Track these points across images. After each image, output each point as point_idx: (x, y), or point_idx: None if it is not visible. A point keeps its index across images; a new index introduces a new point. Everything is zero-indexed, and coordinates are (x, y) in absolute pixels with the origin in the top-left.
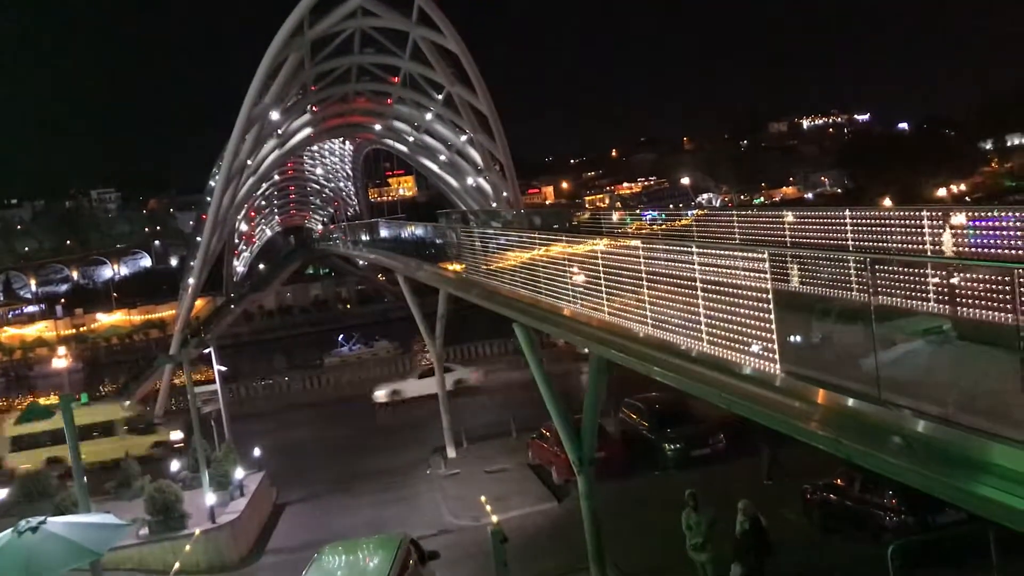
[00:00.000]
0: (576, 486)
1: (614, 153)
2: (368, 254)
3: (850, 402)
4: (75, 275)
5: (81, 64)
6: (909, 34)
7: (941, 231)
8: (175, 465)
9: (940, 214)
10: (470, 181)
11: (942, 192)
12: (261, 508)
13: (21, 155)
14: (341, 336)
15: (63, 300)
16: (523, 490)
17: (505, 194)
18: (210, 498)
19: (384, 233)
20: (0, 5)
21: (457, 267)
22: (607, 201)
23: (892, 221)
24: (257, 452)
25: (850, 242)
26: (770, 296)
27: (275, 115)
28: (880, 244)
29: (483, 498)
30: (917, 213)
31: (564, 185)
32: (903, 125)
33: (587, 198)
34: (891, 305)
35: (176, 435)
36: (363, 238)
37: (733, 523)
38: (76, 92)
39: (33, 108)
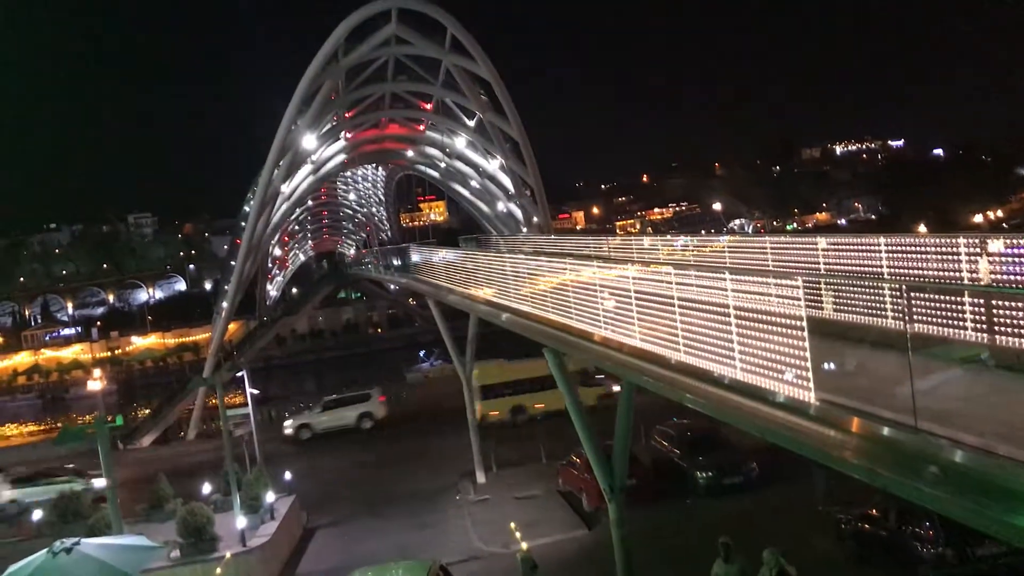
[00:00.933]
0: (607, 513)
1: (645, 178)
2: (399, 279)
3: (885, 431)
4: (111, 298)
5: (118, 89)
6: (944, 59)
7: (978, 258)
8: (206, 488)
9: (977, 241)
10: (500, 207)
11: (979, 219)
12: (291, 532)
13: (59, 180)
14: (423, 352)
15: (99, 323)
16: (553, 517)
17: (536, 219)
18: (241, 521)
19: (415, 258)
20: (33, 28)
21: (487, 291)
22: (638, 226)
23: (927, 248)
24: (288, 476)
25: (885, 269)
26: (804, 324)
27: (309, 141)
28: (915, 271)
29: (513, 524)
30: (953, 240)
31: (595, 210)
32: (938, 151)
33: (618, 223)
34: (927, 333)
35: (618, 388)
36: (394, 263)
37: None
38: (113, 117)
39: (71, 133)
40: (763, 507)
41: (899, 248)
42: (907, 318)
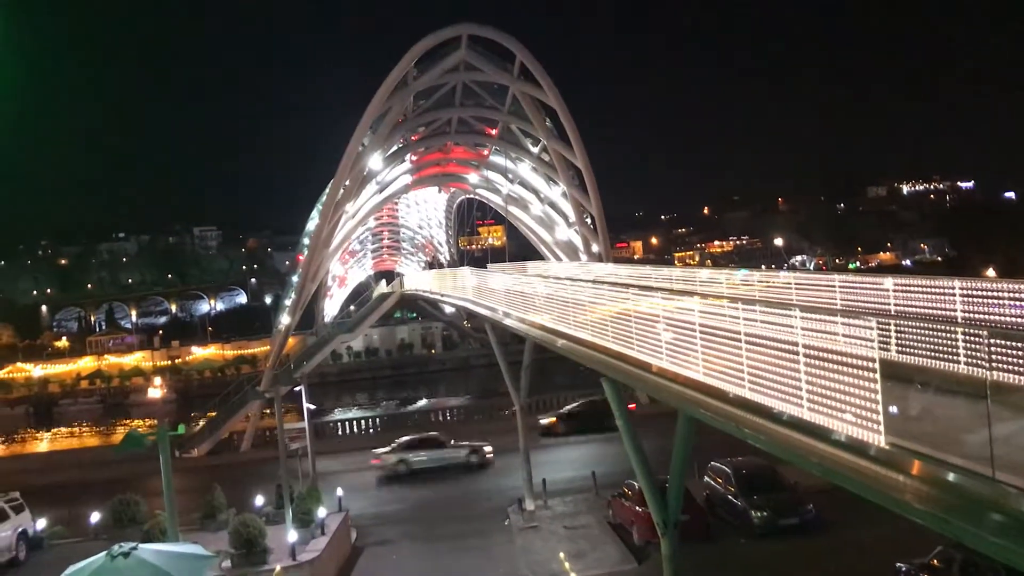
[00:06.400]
0: (657, 548)
1: (706, 210)
2: (456, 300)
3: (958, 478)
4: (173, 308)
5: (192, 104)
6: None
7: None
8: (259, 500)
9: None
10: (560, 234)
11: None
12: (340, 548)
13: (129, 191)
14: None
15: (161, 331)
16: (602, 549)
17: (595, 247)
18: (292, 535)
19: (473, 281)
20: (112, 43)
21: (544, 316)
22: (697, 259)
23: (1003, 294)
24: (339, 492)
25: (959, 314)
26: (877, 365)
27: (376, 162)
28: (993, 317)
29: (562, 554)
30: None
31: (653, 241)
32: (1010, 194)
33: (676, 255)
34: (1005, 381)
35: None
36: (451, 284)
37: None
38: (184, 132)
39: (143, 146)
40: (819, 550)
41: (975, 292)
42: (989, 365)
